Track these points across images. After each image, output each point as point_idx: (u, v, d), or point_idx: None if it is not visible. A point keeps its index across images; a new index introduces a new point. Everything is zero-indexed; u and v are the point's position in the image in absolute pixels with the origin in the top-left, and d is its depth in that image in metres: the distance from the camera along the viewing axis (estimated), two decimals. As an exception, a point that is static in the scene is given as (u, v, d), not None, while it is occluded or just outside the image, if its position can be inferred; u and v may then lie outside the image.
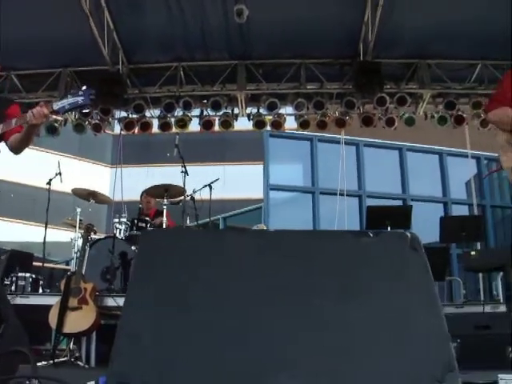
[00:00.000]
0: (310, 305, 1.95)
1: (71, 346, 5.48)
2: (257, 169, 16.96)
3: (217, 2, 7.06)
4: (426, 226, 8.68)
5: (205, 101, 8.55)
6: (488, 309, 6.39)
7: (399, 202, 12.51)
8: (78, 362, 5.37)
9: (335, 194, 11.07)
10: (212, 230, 9.40)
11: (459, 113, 8.28)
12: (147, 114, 8.68)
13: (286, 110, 8.80)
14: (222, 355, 1.88)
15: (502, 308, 6.12)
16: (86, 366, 5.41)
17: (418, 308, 1.93)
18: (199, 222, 7.71)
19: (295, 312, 1.95)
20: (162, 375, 1.85)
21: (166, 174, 14.20)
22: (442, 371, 1.79)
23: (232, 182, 21.94)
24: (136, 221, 7.32)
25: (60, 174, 7.32)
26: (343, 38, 7.79)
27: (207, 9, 7.18)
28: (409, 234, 2.05)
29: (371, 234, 2.05)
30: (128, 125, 8.72)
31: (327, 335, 1.89)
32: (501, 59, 7.99)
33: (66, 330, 5.29)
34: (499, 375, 3.08)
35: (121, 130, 8.92)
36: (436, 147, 13.67)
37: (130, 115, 8.69)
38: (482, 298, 8.53)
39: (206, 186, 7.80)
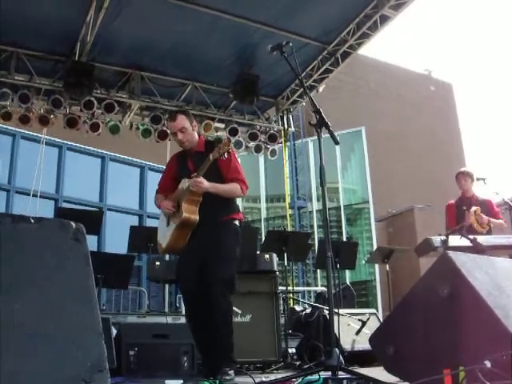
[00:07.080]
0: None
1: None
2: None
3: None
4: (120, 236, 8.67)
5: None
6: (169, 319, 6.57)
7: (96, 210, 12.42)
8: None
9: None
10: None
11: (164, 128, 8.48)
12: None
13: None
14: None
15: (183, 319, 6.34)
16: None
17: (73, 303, 1.81)
18: None
19: None
20: None
21: None
22: (91, 371, 1.69)
23: None
24: None
25: None
26: (61, 34, 7.36)
27: None
28: (73, 224, 1.93)
29: (32, 221, 1.87)
30: None
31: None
32: (208, 83, 8.61)
33: None
34: (166, 381, 3.14)
35: None
36: (139, 160, 13.98)
37: None
38: (167, 309, 8.77)
39: None
